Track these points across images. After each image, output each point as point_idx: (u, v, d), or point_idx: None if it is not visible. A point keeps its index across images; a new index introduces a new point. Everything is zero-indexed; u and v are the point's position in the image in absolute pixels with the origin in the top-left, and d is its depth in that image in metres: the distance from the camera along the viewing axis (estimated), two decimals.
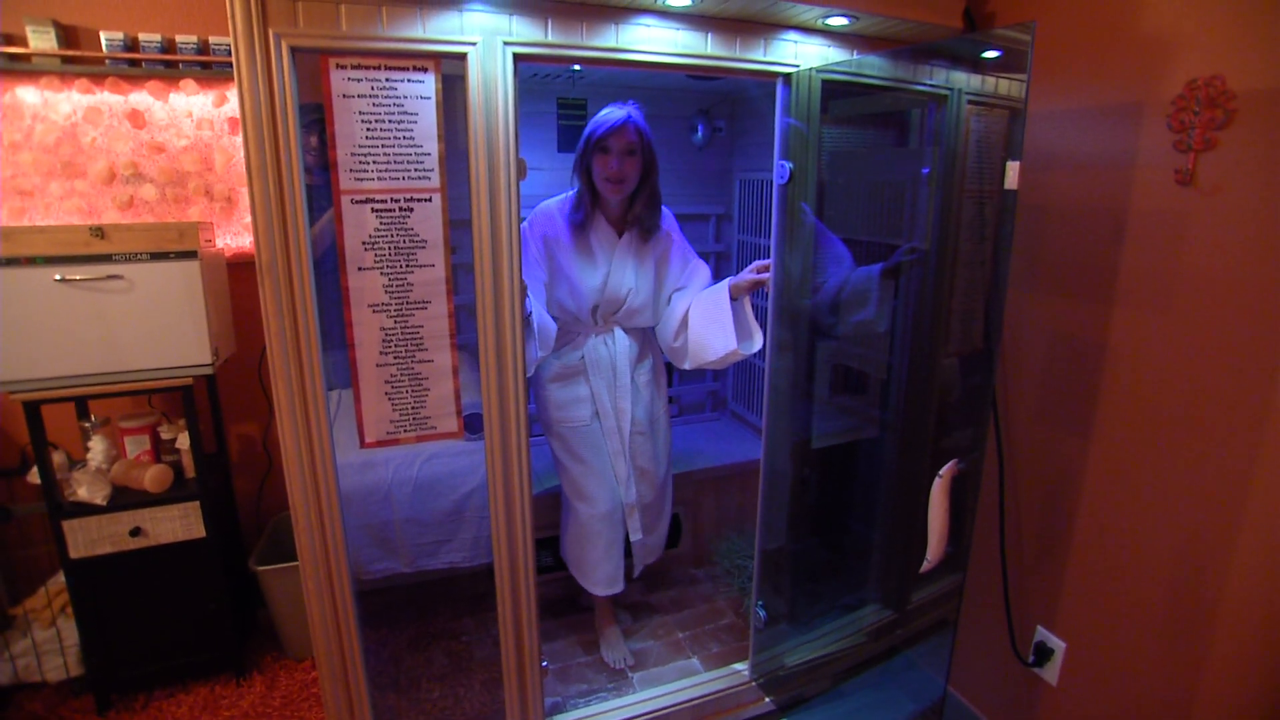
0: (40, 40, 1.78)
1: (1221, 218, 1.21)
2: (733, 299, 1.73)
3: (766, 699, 1.84)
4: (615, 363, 1.85)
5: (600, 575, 1.93)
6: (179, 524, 1.81)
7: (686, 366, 1.85)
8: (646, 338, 1.94)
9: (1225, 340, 1.22)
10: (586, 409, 1.86)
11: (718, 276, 1.85)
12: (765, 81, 1.53)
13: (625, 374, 1.85)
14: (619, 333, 1.86)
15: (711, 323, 1.75)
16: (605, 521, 1.88)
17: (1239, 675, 1.24)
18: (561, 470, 1.92)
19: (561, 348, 1.86)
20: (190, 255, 1.70)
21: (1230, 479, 1.22)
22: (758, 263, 1.72)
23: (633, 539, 1.94)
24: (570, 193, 1.80)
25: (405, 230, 1.28)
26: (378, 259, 1.27)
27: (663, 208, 1.86)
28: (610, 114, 1.69)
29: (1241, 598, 1.22)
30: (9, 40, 1.79)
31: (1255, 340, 1.18)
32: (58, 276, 1.61)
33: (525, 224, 1.75)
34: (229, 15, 1.11)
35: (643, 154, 1.73)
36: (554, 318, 1.78)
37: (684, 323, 1.81)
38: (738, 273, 1.76)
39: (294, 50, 1.16)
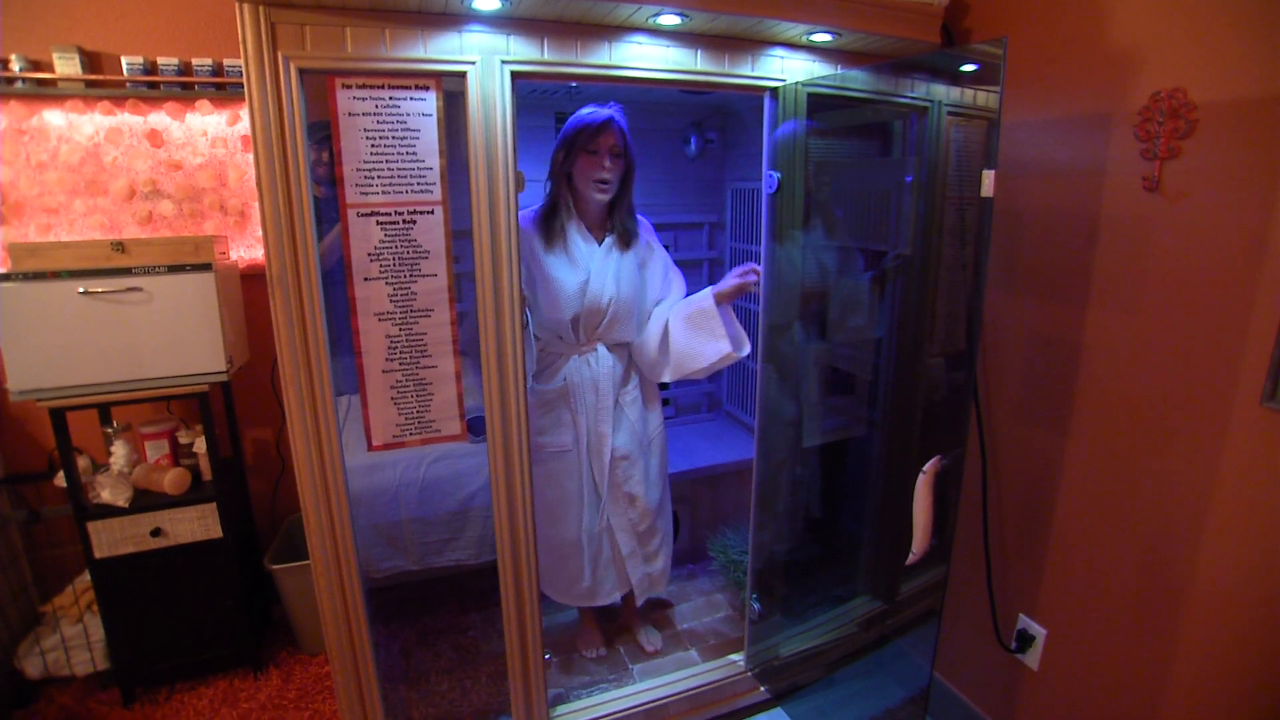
0: (66, 66, 1.87)
1: (1186, 222, 1.26)
2: (717, 305, 1.71)
3: (762, 688, 1.89)
4: (598, 384, 1.78)
5: (576, 590, 1.89)
6: (197, 525, 1.87)
7: (667, 379, 1.80)
8: (631, 356, 1.88)
9: (1190, 338, 1.27)
10: (567, 435, 1.80)
11: (712, 281, 1.86)
12: (754, 95, 1.58)
13: (608, 396, 1.79)
14: (602, 351, 1.79)
15: (700, 330, 1.72)
16: (574, 546, 1.85)
17: (1207, 659, 1.28)
18: (535, 490, 1.85)
19: (542, 372, 1.81)
20: (206, 268, 1.75)
21: (1196, 472, 1.27)
22: (740, 267, 1.70)
23: (624, 551, 1.89)
24: (539, 204, 1.76)
25: (409, 242, 1.32)
26: (383, 269, 1.32)
27: (643, 218, 1.83)
28: (594, 114, 1.64)
29: (1208, 586, 1.27)
30: (37, 66, 1.87)
31: (1217, 338, 1.22)
32: (81, 289, 1.66)
33: None
34: (240, 39, 1.16)
35: (626, 156, 1.69)
36: (536, 338, 1.74)
37: (665, 335, 1.77)
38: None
39: (302, 71, 1.20)
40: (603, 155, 1.65)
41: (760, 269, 1.67)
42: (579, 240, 1.73)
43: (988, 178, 1.23)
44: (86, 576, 1.95)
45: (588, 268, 1.72)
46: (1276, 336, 1.14)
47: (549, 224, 1.72)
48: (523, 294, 1.43)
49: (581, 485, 1.83)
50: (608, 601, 1.93)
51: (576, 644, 2.05)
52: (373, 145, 1.27)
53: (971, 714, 1.79)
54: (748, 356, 1.79)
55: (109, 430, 1.94)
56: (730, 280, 1.70)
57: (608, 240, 1.75)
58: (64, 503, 1.88)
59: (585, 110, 1.67)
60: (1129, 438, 1.39)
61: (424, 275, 1.35)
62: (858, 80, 1.59)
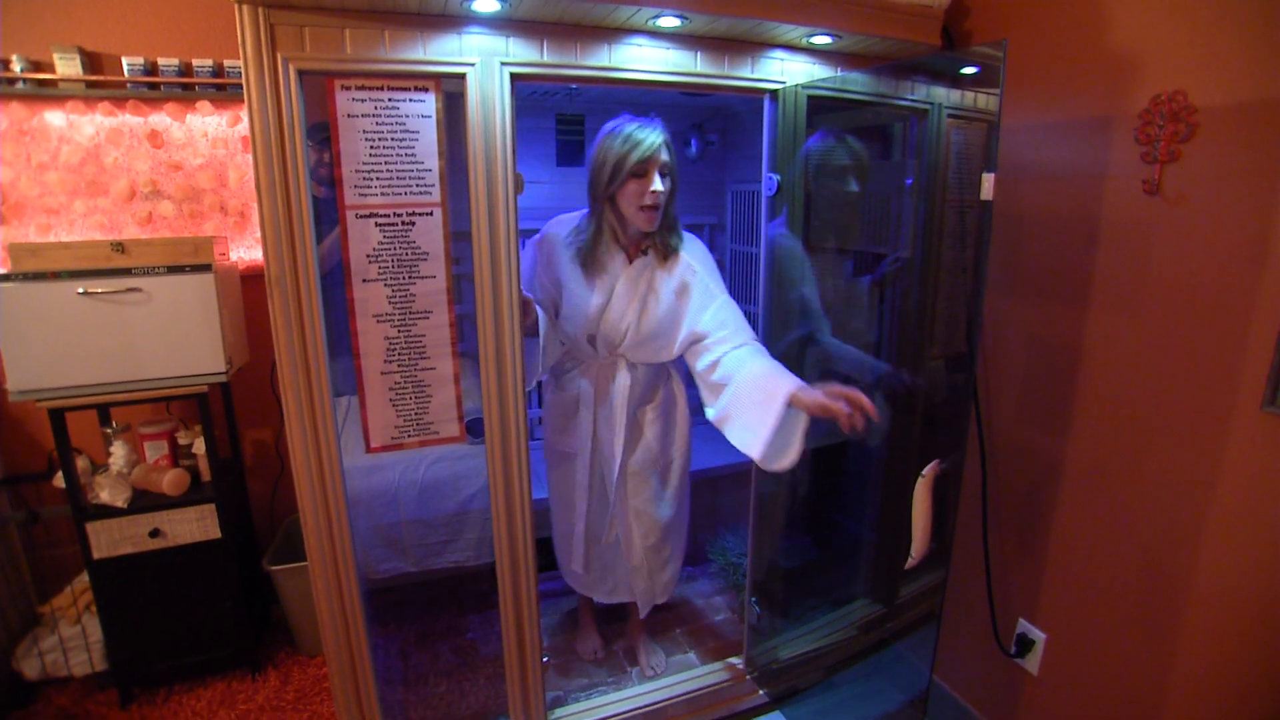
0: (66, 66, 1.87)
1: (1186, 225, 1.26)
2: (790, 404, 1.44)
3: (761, 691, 1.88)
4: (613, 399, 1.71)
5: (580, 579, 1.90)
6: (196, 525, 1.87)
7: (711, 420, 1.63)
8: (660, 375, 1.78)
9: (1190, 342, 1.27)
10: (577, 439, 1.76)
11: None
12: (754, 98, 1.58)
13: (622, 411, 1.71)
14: (624, 367, 1.71)
15: (752, 408, 1.49)
16: (581, 540, 1.82)
17: (1207, 664, 1.28)
18: (551, 485, 1.88)
19: (563, 375, 1.78)
20: (205, 268, 1.75)
21: (1196, 476, 1.27)
22: (842, 389, 1.37)
23: (629, 562, 1.84)
24: (584, 213, 1.65)
25: (408, 243, 1.33)
26: (381, 271, 1.32)
27: (694, 238, 1.70)
28: (645, 135, 1.50)
29: (1208, 590, 1.27)
30: (37, 67, 1.88)
31: (1218, 342, 1.22)
32: (81, 290, 1.66)
33: (535, 237, 1.68)
34: (239, 40, 1.16)
35: (673, 174, 1.56)
36: (560, 342, 1.69)
37: (729, 382, 1.56)
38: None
39: (301, 73, 1.21)
40: (652, 178, 1.50)
41: (872, 408, 1.35)
42: (607, 262, 1.62)
43: (988, 181, 1.23)
44: (85, 577, 1.94)
45: (608, 292, 1.63)
46: (1277, 341, 1.13)
47: (590, 251, 1.60)
48: (524, 296, 1.43)
49: (589, 489, 1.81)
50: (607, 600, 1.93)
51: (575, 646, 2.05)
52: (372, 147, 1.28)
53: (971, 718, 1.78)
54: None
55: (108, 431, 1.94)
56: (820, 394, 1.40)
57: (640, 260, 1.63)
58: (63, 503, 1.88)
59: (631, 128, 1.51)
60: (1129, 442, 1.38)
61: (423, 277, 1.35)
62: (858, 82, 1.59)
